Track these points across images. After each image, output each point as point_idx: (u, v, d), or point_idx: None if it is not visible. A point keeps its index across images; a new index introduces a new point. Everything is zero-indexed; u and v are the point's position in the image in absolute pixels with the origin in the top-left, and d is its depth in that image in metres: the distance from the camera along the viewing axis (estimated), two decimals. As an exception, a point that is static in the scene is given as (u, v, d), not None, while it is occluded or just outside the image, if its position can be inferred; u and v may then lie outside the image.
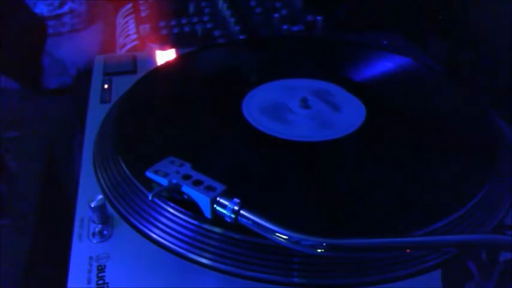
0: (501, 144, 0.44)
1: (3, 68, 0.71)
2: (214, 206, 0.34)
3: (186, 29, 0.72)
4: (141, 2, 0.81)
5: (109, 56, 0.64)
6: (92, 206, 0.37)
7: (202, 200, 0.34)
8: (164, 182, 0.35)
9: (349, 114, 0.48)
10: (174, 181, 0.35)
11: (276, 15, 0.73)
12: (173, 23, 0.73)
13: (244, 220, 0.32)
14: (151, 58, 0.62)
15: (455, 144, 0.44)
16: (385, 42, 0.65)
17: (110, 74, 0.59)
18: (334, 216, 0.37)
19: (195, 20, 0.74)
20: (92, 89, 0.56)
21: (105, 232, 0.38)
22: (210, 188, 0.34)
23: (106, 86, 0.56)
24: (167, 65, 0.59)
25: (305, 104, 0.49)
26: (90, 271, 0.35)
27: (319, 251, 0.31)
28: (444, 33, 0.70)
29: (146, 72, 0.56)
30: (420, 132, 0.46)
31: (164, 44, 0.67)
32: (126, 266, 0.35)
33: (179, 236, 0.36)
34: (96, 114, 0.51)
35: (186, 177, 0.35)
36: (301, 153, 0.43)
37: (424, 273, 0.34)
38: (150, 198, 0.34)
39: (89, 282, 0.34)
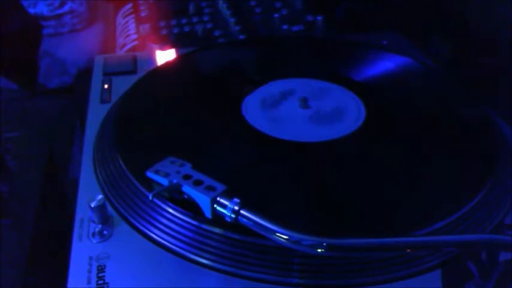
0: (501, 144, 0.44)
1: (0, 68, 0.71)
2: (215, 205, 0.34)
3: (186, 29, 0.72)
4: (141, 2, 0.81)
5: (109, 56, 0.64)
6: (92, 206, 0.37)
7: (202, 199, 0.34)
8: (165, 182, 0.35)
9: (349, 114, 0.48)
10: (175, 181, 0.35)
11: (276, 15, 0.73)
12: (173, 23, 0.73)
13: (244, 220, 0.32)
14: (151, 58, 0.62)
15: (455, 144, 0.44)
16: (385, 42, 0.65)
17: (110, 74, 0.59)
18: (334, 216, 0.37)
19: (195, 20, 0.74)
20: (92, 89, 0.56)
21: (105, 232, 0.38)
22: (210, 188, 0.34)
23: (106, 86, 0.56)
24: (167, 65, 0.59)
25: (305, 104, 0.49)
26: (90, 271, 0.35)
27: (319, 250, 0.31)
28: (444, 33, 0.70)
29: (146, 72, 0.56)
30: (420, 132, 0.46)
31: (164, 44, 0.67)
32: (126, 266, 0.35)
33: (179, 236, 0.36)
34: (96, 114, 0.51)
35: (187, 177, 0.35)
36: (301, 153, 0.43)
37: (424, 273, 0.34)
38: (150, 198, 0.34)
39: (89, 282, 0.34)
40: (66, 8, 0.85)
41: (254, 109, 0.48)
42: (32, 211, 0.48)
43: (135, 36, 0.73)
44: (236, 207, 0.33)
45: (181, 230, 0.36)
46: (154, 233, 0.37)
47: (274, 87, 0.52)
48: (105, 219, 0.38)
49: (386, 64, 0.56)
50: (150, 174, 0.36)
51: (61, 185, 0.62)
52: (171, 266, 0.35)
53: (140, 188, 0.38)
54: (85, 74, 0.69)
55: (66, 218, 0.41)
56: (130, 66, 0.60)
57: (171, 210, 0.37)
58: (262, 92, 0.51)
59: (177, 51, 0.63)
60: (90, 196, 0.38)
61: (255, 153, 0.44)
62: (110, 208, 0.39)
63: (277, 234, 0.31)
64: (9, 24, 0.69)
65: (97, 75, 0.59)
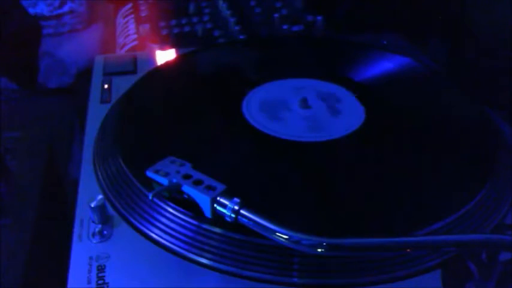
0: (501, 144, 0.45)
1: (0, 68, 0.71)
2: (215, 205, 0.34)
3: (186, 29, 0.72)
4: (141, 2, 0.81)
5: (109, 56, 0.64)
6: (92, 206, 0.37)
7: (202, 199, 0.34)
8: (165, 181, 0.35)
9: (349, 114, 0.48)
10: (175, 181, 0.35)
11: (276, 15, 0.73)
12: (173, 23, 0.73)
13: (244, 220, 0.32)
14: (151, 58, 0.62)
15: (455, 144, 0.44)
16: (385, 42, 0.65)
17: (110, 74, 0.59)
18: (334, 216, 0.37)
19: (195, 20, 0.74)
20: (92, 89, 0.56)
21: (105, 232, 0.38)
22: (210, 188, 0.34)
23: (106, 86, 0.56)
24: (167, 65, 0.59)
25: (305, 104, 0.49)
26: (90, 271, 0.35)
27: (319, 250, 0.31)
28: (444, 33, 0.70)
29: (146, 72, 0.56)
30: (420, 132, 0.46)
31: (164, 44, 0.67)
32: (126, 266, 0.35)
33: (179, 236, 0.36)
34: (96, 114, 0.51)
35: (187, 176, 0.35)
36: (302, 153, 0.43)
37: (424, 273, 0.34)
38: (150, 197, 0.34)
39: (89, 282, 0.34)
40: (66, 8, 0.85)
41: (254, 109, 0.48)
42: (32, 211, 0.48)
43: (135, 36, 0.73)
44: (236, 207, 0.33)
45: (182, 230, 0.36)
46: (154, 233, 0.37)
47: (274, 87, 0.52)
48: (105, 219, 0.38)
49: (386, 64, 0.56)
50: (150, 173, 0.36)
51: (61, 185, 0.62)
52: (171, 266, 0.35)
53: (140, 188, 0.38)
54: (85, 74, 0.70)
55: (66, 218, 0.41)
56: (130, 66, 0.60)
57: (171, 210, 0.37)
58: (262, 91, 0.51)
59: (177, 51, 0.63)
60: (90, 196, 0.38)
61: (255, 153, 0.44)
62: (110, 208, 0.39)
63: (277, 234, 0.31)
64: (9, 24, 0.69)
65: (97, 75, 0.59)
